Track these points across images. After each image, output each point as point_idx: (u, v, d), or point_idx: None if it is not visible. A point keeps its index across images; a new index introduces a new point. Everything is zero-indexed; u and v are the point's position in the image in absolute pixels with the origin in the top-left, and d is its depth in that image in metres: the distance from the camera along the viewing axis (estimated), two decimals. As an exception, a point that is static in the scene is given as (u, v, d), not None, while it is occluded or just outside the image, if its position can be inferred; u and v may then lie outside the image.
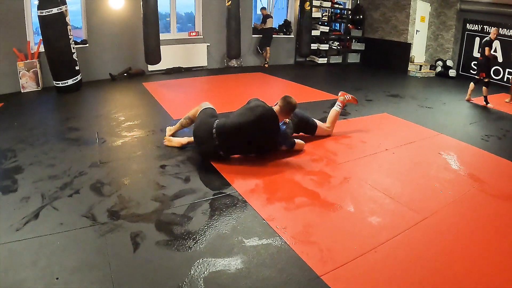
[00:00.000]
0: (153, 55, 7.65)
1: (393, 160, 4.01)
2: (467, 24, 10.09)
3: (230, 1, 8.49)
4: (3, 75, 6.38)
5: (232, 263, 2.21)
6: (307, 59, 11.03)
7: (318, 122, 4.48)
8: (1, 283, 1.96)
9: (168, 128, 4.28)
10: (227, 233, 2.53)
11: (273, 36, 10.17)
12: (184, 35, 9.07)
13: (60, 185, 3.09)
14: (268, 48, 10.04)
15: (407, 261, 2.33)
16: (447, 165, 3.94)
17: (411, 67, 10.41)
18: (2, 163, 3.52)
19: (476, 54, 9.57)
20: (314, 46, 10.76)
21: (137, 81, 7.61)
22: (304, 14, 10.05)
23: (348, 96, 4.77)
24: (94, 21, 7.48)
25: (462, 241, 2.60)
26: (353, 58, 11.87)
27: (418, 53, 10.81)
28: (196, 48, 9.06)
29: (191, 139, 3.94)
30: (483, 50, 6.96)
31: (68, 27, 6.32)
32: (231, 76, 8.61)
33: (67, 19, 6.26)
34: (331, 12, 11.35)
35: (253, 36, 10.01)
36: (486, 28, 9.48)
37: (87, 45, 7.50)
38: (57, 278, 2.01)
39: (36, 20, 6.33)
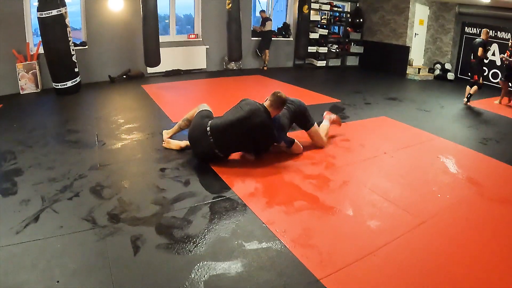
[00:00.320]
0: (153, 58, 7.66)
1: (392, 163, 4.02)
2: (466, 27, 10.14)
3: (230, 4, 8.51)
4: (2, 77, 6.38)
5: (232, 267, 2.22)
6: (306, 62, 11.06)
7: (316, 125, 4.35)
8: (1, 286, 1.97)
9: (164, 132, 4.24)
10: (227, 237, 2.54)
11: (272, 38, 10.19)
12: (183, 37, 9.09)
13: (60, 188, 3.09)
14: (267, 50, 10.06)
15: (405, 264, 2.34)
16: (445, 168, 3.96)
17: (409, 70, 10.45)
18: (2, 165, 3.53)
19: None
20: (313, 49, 10.79)
21: (136, 83, 7.62)
22: (302, 17, 10.07)
23: (333, 116, 4.70)
24: (94, 23, 7.49)
25: (460, 244, 2.61)
26: (352, 61, 11.91)
27: (417, 56, 10.84)
28: (195, 50, 9.07)
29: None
30: (476, 52, 6.95)
31: (68, 29, 6.34)
32: (230, 78, 8.62)
33: (66, 21, 6.27)
34: (330, 15, 11.37)
35: (252, 38, 10.04)
36: (490, 31, 9.48)
37: (87, 47, 7.50)
38: (57, 281, 2.02)
39: (35, 21, 6.34)
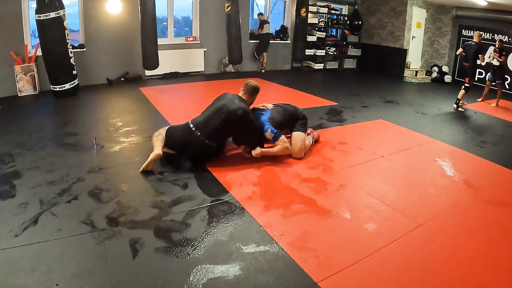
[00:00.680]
0: (151, 60, 7.66)
1: (389, 166, 4.05)
2: (463, 30, 10.20)
3: (229, 7, 8.53)
4: (0, 79, 6.38)
5: (231, 270, 2.23)
6: (304, 64, 11.10)
7: (303, 134, 4.18)
8: (0, 289, 1.98)
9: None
10: (225, 240, 2.55)
11: (270, 41, 10.22)
12: (181, 40, 9.11)
13: (58, 191, 3.10)
14: (265, 53, 10.10)
15: (402, 267, 2.36)
16: (442, 171, 3.98)
17: (407, 73, 10.50)
18: (0, 168, 3.53)
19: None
20: (310, 51, 10.83)
21: (134, 86, 7.63)
22: (299, 19, 10.10)
23: (315, 134, 4.61)
24: (92, 26, 7.50)
25: (457, 247, 2.63)
26: (350, 64, 11.95)
27: (414, 59, 10.90)
28: (193, 53, 9.10)
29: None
30: (473, 58, 6.94)
31: (66, 31, 6.34)
32: (228, 81, 8.63)
33: (65, 23, 6.28)
34: (328, 18, 11.40)
35: (250, 41, 10.08)
36: (482, 34, 9.53)
37: (85, 49, 7.51)
38: (57, 285, 2.03)
39: (33, 23, 6.35)
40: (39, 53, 6.58)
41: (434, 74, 10.62)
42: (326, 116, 5.88)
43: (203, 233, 2.62)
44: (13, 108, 5.81)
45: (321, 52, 11.05)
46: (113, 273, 2.15)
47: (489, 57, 7.50)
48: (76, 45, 7.40)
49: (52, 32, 6.14)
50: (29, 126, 4.83)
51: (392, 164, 4.11)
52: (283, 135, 3.99)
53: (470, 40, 7.37)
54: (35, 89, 6.76)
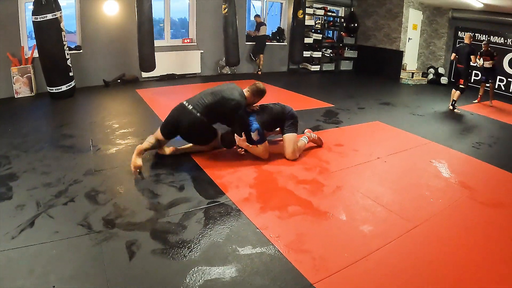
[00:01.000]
0: (148, 62, 7.66)
1: (385, 168, 4.06)
2: (459, 32, 10.24)
3: (226, 9, 8.54)
4: (-4, 81, 6.38)
5: (227, 272, 2.24)
6: (300, 66, 11.12)
7: (294, 135, 4.13)
8: (-3, 291, 1.98)
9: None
10: (221, 242, 2.56)
11: (267, 43, 10.25)
12: (178, 42, 9.11)
13: (55, 193, 3.10)
14: (261, 55, 10.11)
15: (398, 269, 2.38)
16: (438, 173, 4.00)
17: (403, 75, 10.54)
18: (-3, 170, 3.53)
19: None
20: (307, 53, 10.86)
21: (130, 88, 7.63)
22: (296, 21, 10.12)
23: (314, 135, 4.53)
24: (88, 27, 7.50)
25: (453, 248, 2.65)
26: (346, 66, 11.98)
27: (410, 61, 10.94)
28: (189, 55, 9.10)
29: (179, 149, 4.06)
30: (467, 60, 6.99)
31: (63, 33, 6.34)
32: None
33: (61, 25, 6.28)
34: (324, 20, 11.43)
35: (247, 43, 10.08)
36: (478, 36, 9.60)
37: (81, 51, 7.51)
38: (53, 286, 2.03)
39: (30, 25, 6.34)
40: (36, 54, 6.57)
41: (430, 76, 10.66)
42: (323, 118, 5.90)
43: (200, 235, 2.62)
44: (10, 110, 5.80)
45: (317, 54, 11.07)
46: (109, 275, 2.16)
47: (481, 61, 7.54)
48: (72, 46, 7.40)
49: (48, 33, 6.14)
50: (26, 128, 4.82)
51: (388, 166, 4.13)
52: (266, 142, 3.98)
53: (463, 43, 7.42)
54: (32, 91, 6.75)
